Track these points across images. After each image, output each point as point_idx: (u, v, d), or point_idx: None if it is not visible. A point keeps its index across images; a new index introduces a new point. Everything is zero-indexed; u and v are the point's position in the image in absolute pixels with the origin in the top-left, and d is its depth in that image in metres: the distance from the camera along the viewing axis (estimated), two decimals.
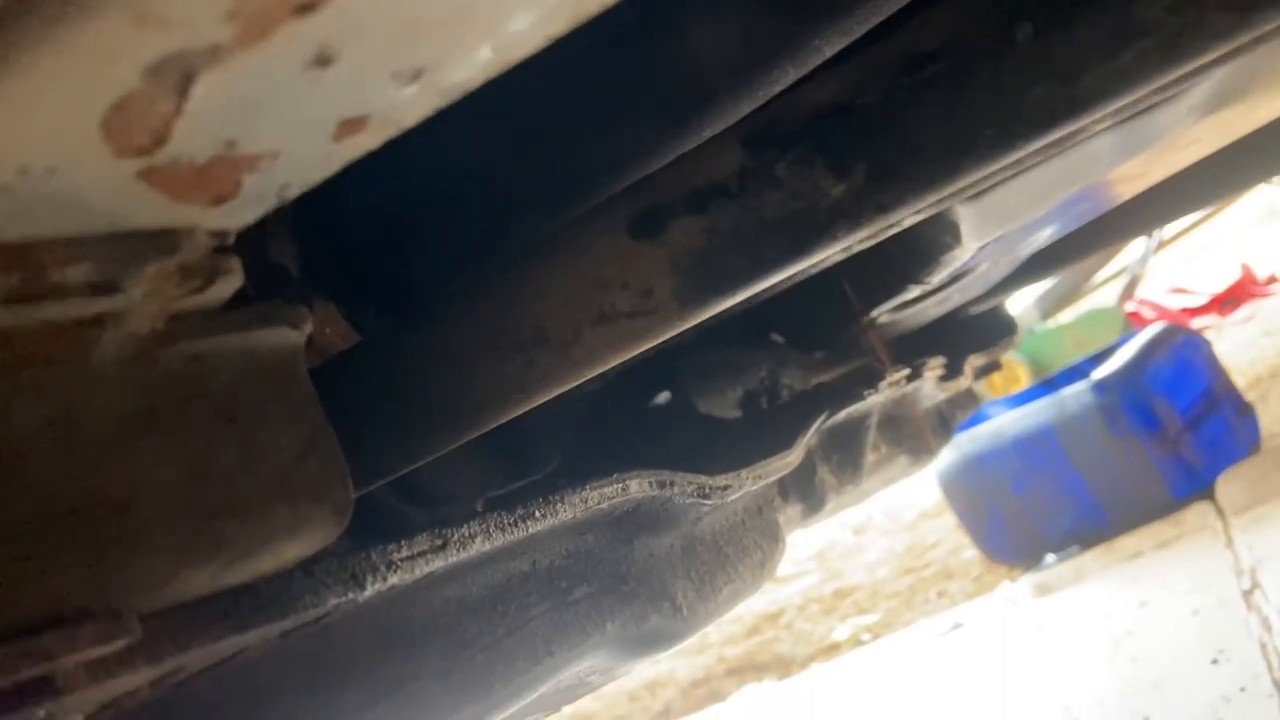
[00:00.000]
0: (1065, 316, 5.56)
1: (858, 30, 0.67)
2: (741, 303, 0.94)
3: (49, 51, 0.25)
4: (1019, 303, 5.37)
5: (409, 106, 0.34)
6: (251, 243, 0.80)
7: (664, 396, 1.35)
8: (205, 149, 0.31)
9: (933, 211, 0.82)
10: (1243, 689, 2.09)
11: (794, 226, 0.54)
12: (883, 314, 1.39)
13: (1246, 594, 2.48)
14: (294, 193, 0.36)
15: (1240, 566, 2.64)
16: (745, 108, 0.68)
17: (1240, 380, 3.75)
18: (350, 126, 0.33)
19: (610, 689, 4.02)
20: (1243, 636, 2.29)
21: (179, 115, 0.28)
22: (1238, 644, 2.27)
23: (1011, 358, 5.12)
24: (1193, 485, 3.15)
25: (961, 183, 0.53)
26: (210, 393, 0.40)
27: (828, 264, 0.97)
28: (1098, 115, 0.50)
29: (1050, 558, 3.34)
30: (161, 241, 0.34)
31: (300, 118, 0.32)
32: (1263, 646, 2.21)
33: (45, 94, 0.26)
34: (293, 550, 0.43)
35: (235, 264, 0.38)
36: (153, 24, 0.25)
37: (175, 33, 0.25)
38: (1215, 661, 2.25)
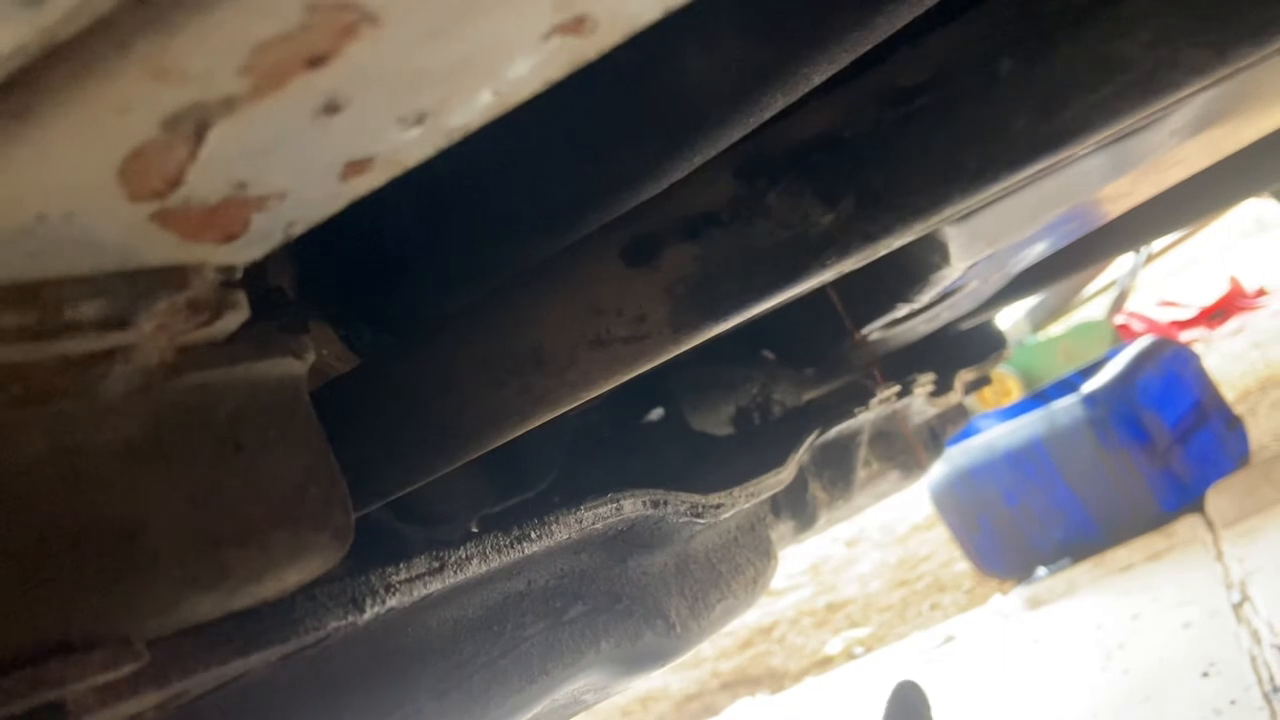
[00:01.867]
0: (1056, 329, 5.59)
1: (844, 59, 0.68)
2: (736, 326, 0.95)
3: (71, 105, 0.26)
4: (1010, 316, 5.40)
5: (413, 148, 0.35)
6: (250, 266, 0.81)
7: (657, 413, 1.36)
8: (217, 191, 0.32)
9: (920, 234, 0.83)
10: (1233, 702, 2.10)
11: (784, 255, 0.56)
12: (873, 331, 1.40)
13: (1236, 607, 2.49)
14: (300, 230, 0.37)
15: (1230, 579, 2.66)
16: (736, 134, 0.69)
17: (1229, 393, 3.78)
18: (356, 168, 0.35)
19: (603, 704, 4.01)
20: (1233, 649, 2.30)
21: (193, 161, 0.30)
22: (1228, 657, 2.28)
23: (1003, 370, 5.14)
24: (1182, 498, 3.17)
25: (947, 212, 0.54)
26: (215, 422, 0.41)
27: (818, 283, 0.98)
28: (1078, 147, 0.51)
29: (1042, 570, 3.35)
30: (172, 278, 0.35)
31: (309, 161, 0.33)
32: (1253, 659, 2.22)
33: (65, 144, 0.27)
34: (295, 575, 0.44)
35: (241, 298, 0.39)
36: (171, 78, 0.26)
37: (192, 86, 0.26)
38: (1206, 674, 2.26)
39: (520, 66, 0.32)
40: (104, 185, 0.29)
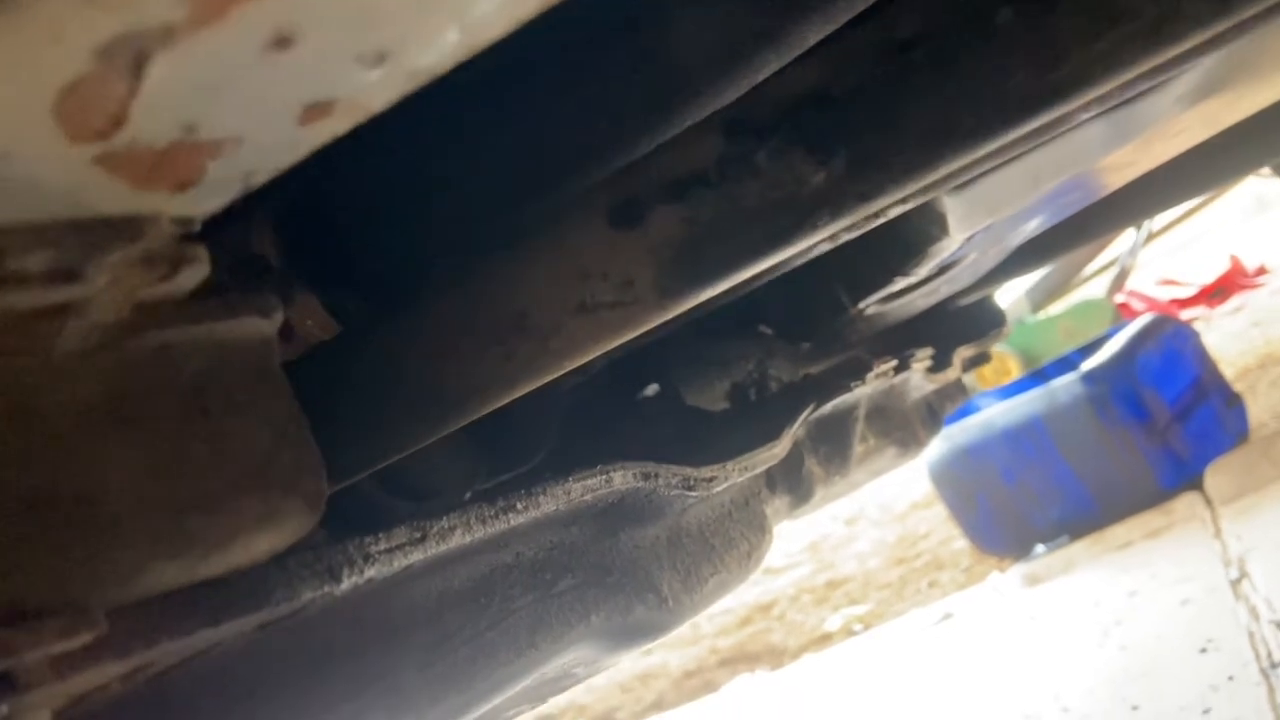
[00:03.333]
0: (1056, 308, 5.57)
1: (842, 17, 0.66)
2: (727, 294, 0.93)
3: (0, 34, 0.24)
4: (1010, 295, 5.38)
5: (375, 91, 0.33)
6: (232, 234, 0.79)
7: (652, 389, 1.35)
8: (164, 133, 0.30)
9: (917, 202, 0.82)
10: (1231, 678, 2.10)
11: (774, 216, 0.54)
12: (870, 306, 1.38)
13: (1234, 583, 2.49)
14: (261, 179, 0.36)
15: (1228, 556, 2.65)
16: (728, 96, 0.67)
17: (1229, 371, 3.76)
18: (315, 111, 0.33)
19: (602, 680, 4.02)
20: (1231, 626, 2.30)
21: (134, 98, 0.28)
22: (1226, 633, 2.27)
23: (1002, 349, 5.13)
24: (1181, 475, 3.16)
25: (942, 171, 0.53)
26: (179, 384, 0.40)
27: (814, 255, 0.96)
28: (1078, 103, 0.49)
29: (1040, 548, 3.35)
30: (124, 229, 0.34)
31: (262, 102, 0.31)
32: (1250, 635, 2.22)
33: None
34: (265, 543, 0.42)
35: (201, 252, 0.37)
36: (101, 3, 0.24)
37: (125, 12, 0.25)
38: (1204, 650, 2.26)
39: (486, 2, 0.31)
40: (41, 122, 0.27)
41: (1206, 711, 2.03)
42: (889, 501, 4.77)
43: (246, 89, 0.30)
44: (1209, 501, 3.04)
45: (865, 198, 0.53)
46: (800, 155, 0.52)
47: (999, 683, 2.62)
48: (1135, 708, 2.18)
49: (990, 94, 0.49)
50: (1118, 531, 3.18)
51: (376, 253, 0.80)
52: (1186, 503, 3.09)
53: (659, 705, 3.89)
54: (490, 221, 0.72)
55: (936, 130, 0.50)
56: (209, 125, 0.31)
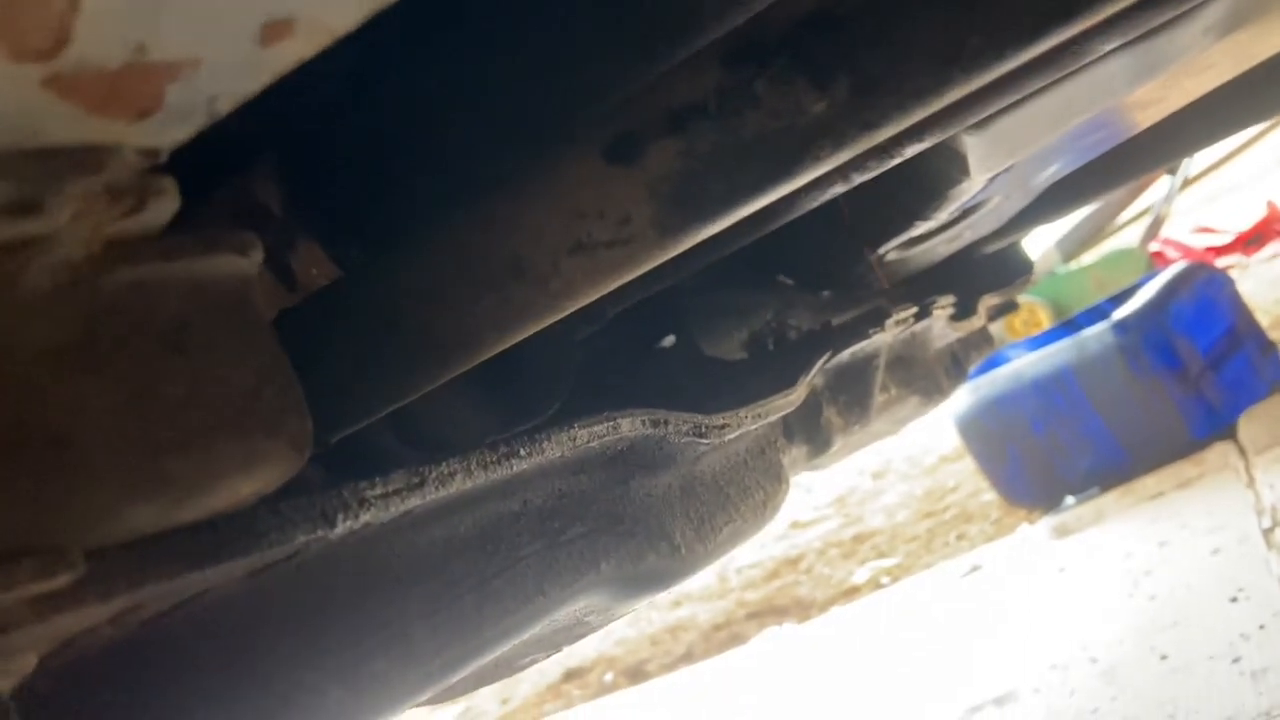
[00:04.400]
0: (1088, 258, 5.48)
1: None
2: (737, 234, 0.91)
3: None
4: (1041, 245, 5.29)
5: (340, 7, 0.32)
6: (234, 184, 0.78)
7: (669, 340, 1.33)
8: (114, 53, 0.29)
9: (932, 140, 0.79)
10: (1262, 627, 2.08)
11: (774, 147, 0.52)
12: (890, 251, 1.36)
13: (1267, 532, 2.45)
14: (225, 106, 0.34)
15: (1261, 505, 2.61)
16: (731, 22, 0.65)
17: (1264, 319, 3.69)
18: (276, 30, 0.31)
19: (632, 633, 4.06)
20: (1262, 575, 2.27)
21: (76, 12, 0.27)
22: (1257, 582, 2.25)
23: (1033, 300, 5.06)
24: (1214, 424, 3.11)
25: (951, 96, 0.50)
26: (155, 323, 0.39)
27: (830, 198, 0.94)
28: (1093, 19, 0.47)
29: (1069, 499, 3.32)
30: (84, 159, 0.32)
31: (216, 19, 0.30)
32: None
33: None
34: (249, 486, 0.41)
35: (169, 185, 0.36)
36: None
37: None
38: (1234, 600, 2.23)
39: None
40: None
41: (1236, 660, 2.01)
42: (917, 455, 4.75)
43: (198, 4, 0.29)
44: (1242, 450, 2.99)
45: (869, 126, 0.51)
46: (801, 82, 0.50)
47: (1027, 634, 2.61)
48: (1164, 657, 2.17)
49: (1000, 11, 0.47)
50: (1148, 482, 3.14)
51: (381, 202, 0.79)
52: (1219, 452, 3.05)
53: (688, 657, 3.92)
54: (487, 163, 0.71)
55: (943, 52, 0.48)
56: (162, 45, 0.30)
